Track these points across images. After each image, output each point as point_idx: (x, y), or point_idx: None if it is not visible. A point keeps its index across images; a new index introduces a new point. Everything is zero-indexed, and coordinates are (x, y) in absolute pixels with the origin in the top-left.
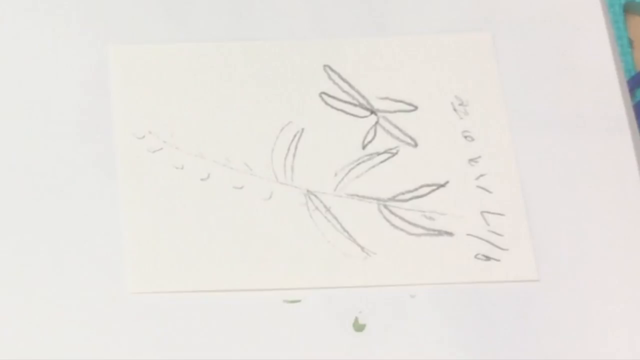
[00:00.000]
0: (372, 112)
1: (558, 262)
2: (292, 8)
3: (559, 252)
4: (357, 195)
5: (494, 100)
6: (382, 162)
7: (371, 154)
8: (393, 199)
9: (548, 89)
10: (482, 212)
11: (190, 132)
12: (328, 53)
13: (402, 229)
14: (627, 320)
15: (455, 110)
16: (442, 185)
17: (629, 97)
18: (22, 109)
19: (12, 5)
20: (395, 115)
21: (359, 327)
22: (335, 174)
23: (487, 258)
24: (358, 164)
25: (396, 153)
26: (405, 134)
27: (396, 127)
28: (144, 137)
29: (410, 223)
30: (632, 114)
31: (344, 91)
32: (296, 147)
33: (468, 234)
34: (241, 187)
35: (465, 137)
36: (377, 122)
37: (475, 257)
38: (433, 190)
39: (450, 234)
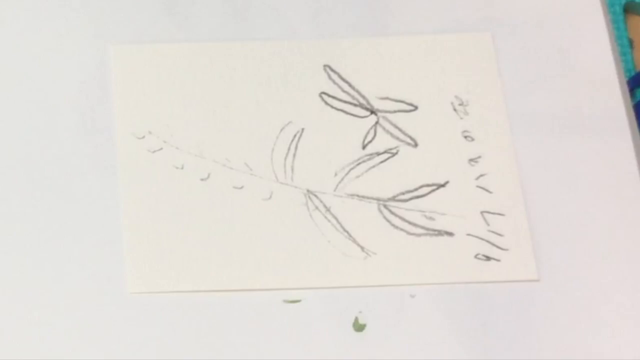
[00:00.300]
0: (372, 112)
1: (558, 262)
2: (292, 8)
3: (559, 252)
4: (357, 195)
5: (494, 100)
6: (382, 162)
7: (371, 154)
8: (393, 199)
9: (548, 89)
10: (482, 212)
11: (190, 132)
12: (328, 53)
13: (402, 229)
14: (627, 320)
15: (455, 110)
16: (442, 185)
17: (629, 97)
18: (23, 109)
19: (12, 6)
20: (395, 115)
21: (359, 327)
22: (335, 174)
23: (487, 258)
24: (358, 164)
25: (396, 153)
26: (405, 134)
27: (396, 127)
28: (144, 137)
29: (410, 223)
30: (632, 114)
31: (344, 91)
32: (296, 147)
33: (468, 234)
34: (241, 187)
35: (465, 137)
36: (377, 122)
37: (475, 257)
38: (433, 190)
39: (450, 234)
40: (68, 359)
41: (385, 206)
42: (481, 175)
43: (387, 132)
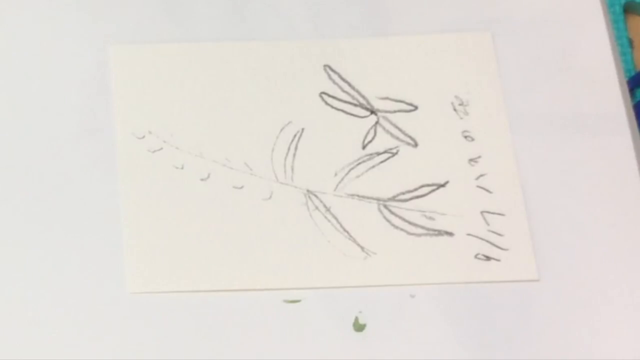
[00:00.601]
0: (372, 112)
1: (558, 262)
2: (292, 8)
3: (559, 252)
4: (357, 195)
5: (494, 100)
6: (382, 162)
7: (371, 154)
8: (393, 199)
9: (548, 89)
10: (482, 212)
11: (190, 132)
12: (328, 53)
13: (402, 229)
14: (627, 320)
15: (455, 110)
16: (442, 185)
17: (629, 97)
18: (23, 109)
19: (12, 6)
20: (395, 115)
21: (359, 327)
22: (335, 174)
23: (487, 258)
24: (358, 164)
25: (396, 153)
26: (405, 134)
27: (396, 127)
28: (144, 137)
29: (410, 223)
30: (632, 114)
31: (344, 91)
32: (296, 147)
33: (468, 234)
34: (241, 187)
35: (465, 137)
36: (377, 122)
37: (475, 257)
38: (433, 190)
39: (450, 233)
40: (68, 359)
41: (385, 206)
42: (481, 175)
43: (387, 132)
